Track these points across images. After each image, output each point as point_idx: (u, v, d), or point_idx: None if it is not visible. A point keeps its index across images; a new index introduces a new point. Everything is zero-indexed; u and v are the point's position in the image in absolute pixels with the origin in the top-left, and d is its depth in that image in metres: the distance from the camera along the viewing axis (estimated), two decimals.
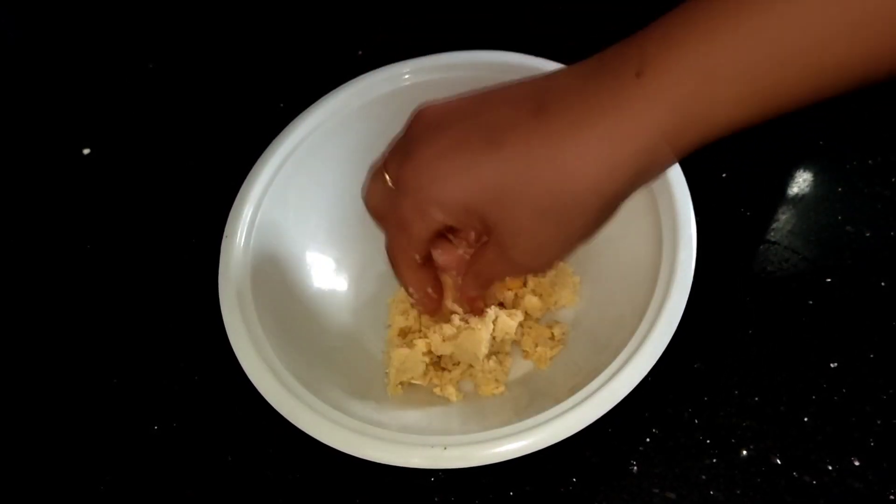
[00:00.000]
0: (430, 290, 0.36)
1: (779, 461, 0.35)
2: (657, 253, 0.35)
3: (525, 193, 0.29)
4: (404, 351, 0.37)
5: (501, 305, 0.40)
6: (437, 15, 0.54)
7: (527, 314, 0.39)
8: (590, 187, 0.28)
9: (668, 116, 0.27)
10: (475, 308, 0.37)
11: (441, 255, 0.35)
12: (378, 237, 0.43)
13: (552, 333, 0.38)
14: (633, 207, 0.38)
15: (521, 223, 0.30)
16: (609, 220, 0.31)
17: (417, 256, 0.34)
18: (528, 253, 0.31)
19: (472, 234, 0.34)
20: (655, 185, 0.37)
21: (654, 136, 0.27)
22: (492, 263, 0.33)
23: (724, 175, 0.44)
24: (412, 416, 0.36)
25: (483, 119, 0.30)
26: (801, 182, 0.44)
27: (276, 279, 0.39)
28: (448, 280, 0.37)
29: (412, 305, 0.39)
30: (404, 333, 0.39)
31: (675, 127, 0.27)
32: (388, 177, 0.33)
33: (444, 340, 0.37)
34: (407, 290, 0.36)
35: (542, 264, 0.34)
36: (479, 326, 0.36)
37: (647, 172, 0.29)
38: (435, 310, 0.37)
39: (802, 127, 0.45)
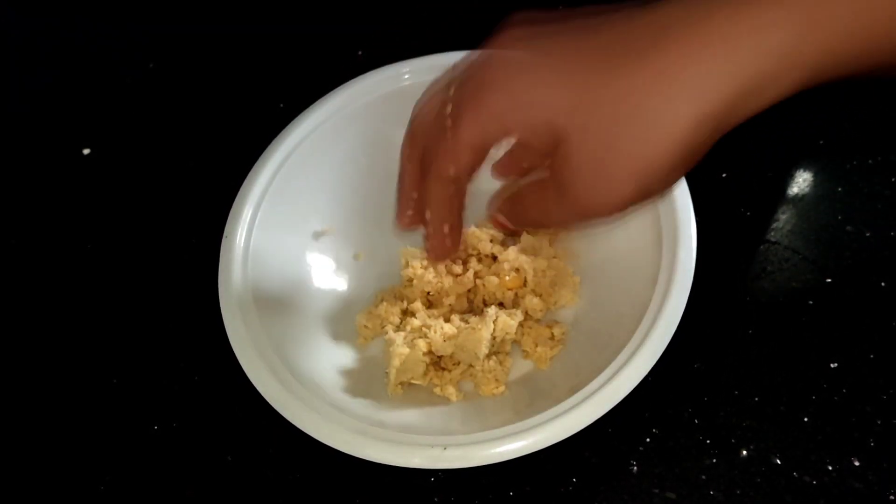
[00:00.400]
0: (447, 227, 0.31)
1: (779, 461, 0.35)
2: (657, 253, 0.35)
3: (607, 97, 0.25)
4: (405, 350, 0.37)
5: (501, 305, 0.40)
6: (437, 15, 0.54)
7: (527, 314, 0.39)
8: (683, 96, 0.25)
9: (797, 26, 0.24)
10: (501, 227, 0.32)
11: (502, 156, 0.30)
12: (378, 237, 0.43)
13: (552, 333, 0.38)
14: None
15: (595, 130, 0.26)
16: (674, 178, 0.27)
17: (452, 169, 0.28)
18: (588, 173, 0.26)
19: (528, 160, 0.30)
20: None
21: (771, 55, 0.24)
22: (548, 195, 0.28)
23: (724, 175, 0.44)
24: (412, 416, 0.36)
25: (578, 30, 0.27)
26: (801, 182, 0.44)
27: (276, 279, 0.39)
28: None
29: (423, 242, 0.34)
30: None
31: (801, 40, 0.24)
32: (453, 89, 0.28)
33: (444, 340, 0.37)
34: (408, 210, 0.31)
35: (601, 202, 0.27)
36: (480, 326, 0.36)
37: (745, 104, 0.25)
38: (446, 254, 0.32)
39: (802, 127, 0.45)
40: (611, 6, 0.27)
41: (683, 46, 0.25)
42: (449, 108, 0.28)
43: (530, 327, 0.39)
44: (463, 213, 0.31)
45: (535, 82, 0.26)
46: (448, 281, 0.40)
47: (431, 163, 0.29)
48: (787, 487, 0.34)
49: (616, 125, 0.25)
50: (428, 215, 0.31)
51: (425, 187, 0.30)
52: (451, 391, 0.37)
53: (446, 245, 0.32)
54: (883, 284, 0.39)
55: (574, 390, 0.32)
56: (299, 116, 0.41)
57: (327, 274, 0.42)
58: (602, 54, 0.26)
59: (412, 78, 0.42)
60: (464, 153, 0.28)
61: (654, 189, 0.27)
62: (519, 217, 0.31)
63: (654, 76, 0.25)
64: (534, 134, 0.27)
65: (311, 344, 0.39)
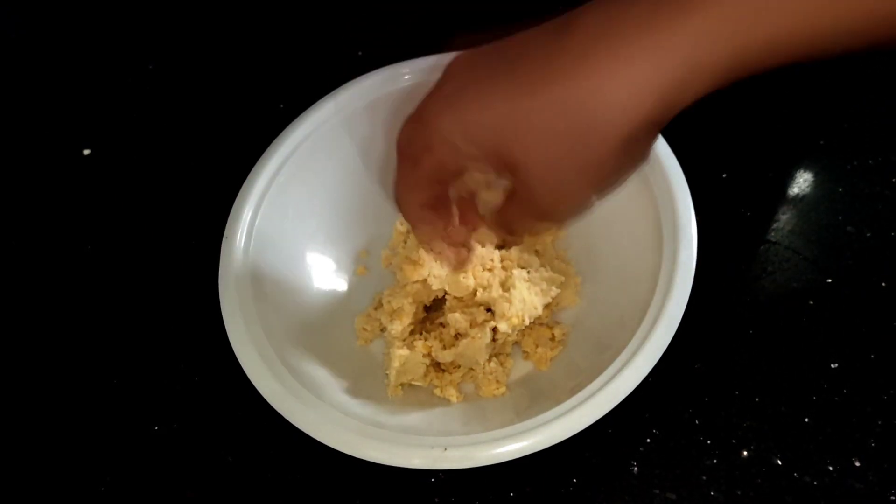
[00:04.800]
0: (450, 242, 0.35)
1: (779, 462, 0.35)
2: (658, 253, 0.35)
3: (540, 118, 0.27)
4: (405, 352, 0.37)
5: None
6: (438, 15, 0.54)
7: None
8: (613, 107, 0.26)
9: (716, 24, 0.25)
10: (505, 242, 0.37)
11: (455, 192, 0.33)
12: (378, 237, 0.43)
13: (553, 334, 0.38)
14: (634, 208, 0.38)
15: (539, 151, 0.28)
16: (634, 165, 0.29)
17: (421, 194, 0.32)
18: (549, 188, 0.29)
19: (489, 176, 0.32)
20: (655, 185, 0.37)
21: (694, 51, 0.26)
22: (516, 206, 0.31)
23: (724, 175, 0.44)
24: (413, 416, 0.36)
25: (507, 52, 0.29)
26: (801, 182, 0.44)
27: (276, 280, 0.39)
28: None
29: (435, 258, 0.37)
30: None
31: (721, 37, 0.25)
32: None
33: (444, 348, 0.37)
34: (415, 231, 0.35)
35: (564, 207, 0.30)
36: (479, 335, 0.36)
37: (678, 100, 0.27)
38: (457, 261, 0.36)
39: (802, 127, 0.45)
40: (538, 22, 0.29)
41: (608, 63, 0.26)
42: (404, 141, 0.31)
43: (531, 328, 0.39)
44: (447, 217, 0.34)
45: (478, 112, 0.28)
46: (449, 283, 0.40)
47: (402, 189, 0.32)
48: (787, 488, 0.34)
49: (558, 142, 0.27)
50: (419, 232, 0.35)
51: (403, 213, 0.33)
52: (451, 392, 0.37)
53: (461, 256, 0.36)
54: (883, 284, 0.39)
55: (574, 391, 0.32)
56: (299, 117, 0.41)
57: (327, 275, 0.42)
58: (536, 76, 0.28)
59: (412, 78, 0.42)
60: (425, 179, 0.31)
61: (612, 181, 0.30)
62: (508, 229, 0.33)
63: (585, 94, 0.27)
64: (487, 157, 0.29)
65: (311, 344, 0.39)
